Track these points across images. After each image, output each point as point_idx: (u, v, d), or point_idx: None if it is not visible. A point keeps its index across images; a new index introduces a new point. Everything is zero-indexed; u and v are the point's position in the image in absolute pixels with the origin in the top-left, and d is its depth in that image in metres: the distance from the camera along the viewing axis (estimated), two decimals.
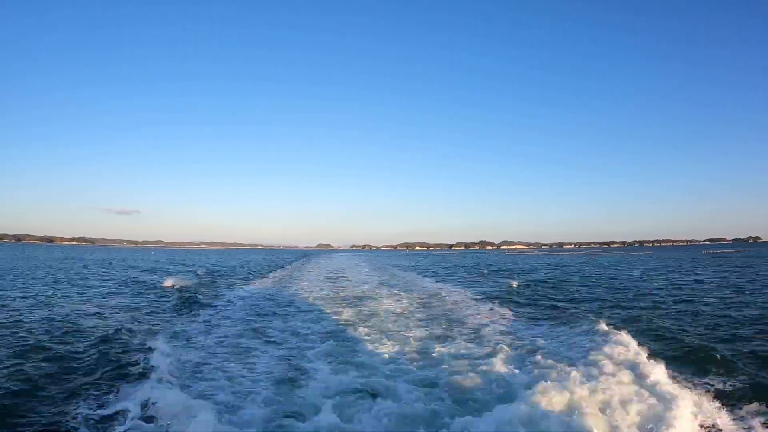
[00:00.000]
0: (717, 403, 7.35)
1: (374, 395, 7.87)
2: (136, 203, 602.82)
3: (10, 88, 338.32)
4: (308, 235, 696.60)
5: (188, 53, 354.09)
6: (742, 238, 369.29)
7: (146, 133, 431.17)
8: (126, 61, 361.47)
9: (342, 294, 23.04)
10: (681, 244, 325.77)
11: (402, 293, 23.60)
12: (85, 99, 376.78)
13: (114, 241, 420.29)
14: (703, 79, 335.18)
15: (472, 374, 8.90)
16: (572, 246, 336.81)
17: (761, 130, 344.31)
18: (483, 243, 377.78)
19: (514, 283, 27.17)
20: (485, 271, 41.05)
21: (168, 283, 25.69)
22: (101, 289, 23.62)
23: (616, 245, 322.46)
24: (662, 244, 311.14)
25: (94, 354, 9.79)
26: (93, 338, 11.18)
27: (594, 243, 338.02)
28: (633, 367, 8.56)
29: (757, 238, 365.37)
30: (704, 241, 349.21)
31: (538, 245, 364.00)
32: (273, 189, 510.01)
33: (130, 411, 6.81)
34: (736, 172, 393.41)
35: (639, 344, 10.18)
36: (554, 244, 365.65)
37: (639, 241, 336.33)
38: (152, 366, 9.04)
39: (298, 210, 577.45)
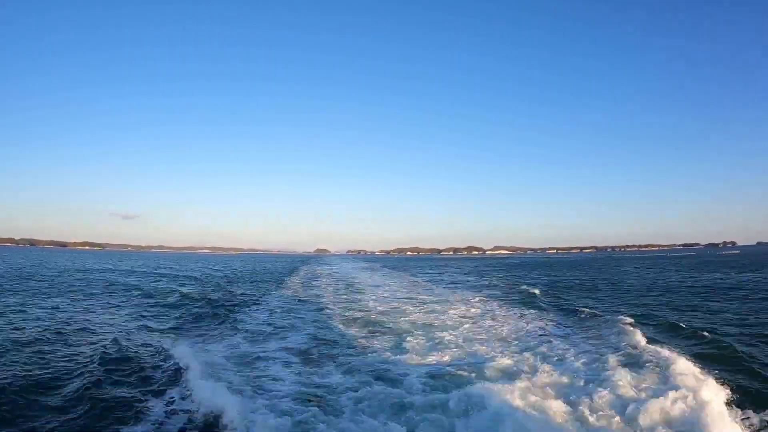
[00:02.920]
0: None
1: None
2: (138, 208, 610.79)
3: (10, 88, 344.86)
4: (306, 239, 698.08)
5: (188, 53, 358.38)
6: (716, 242, 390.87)
7: (146, 134, 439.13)
8: (126, 61, 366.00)
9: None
10: (653, 248, 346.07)
11: None
12: (85, 100, 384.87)
13: (120, 245, 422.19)
14: (701, 80, 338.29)
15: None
16: (554, 251, 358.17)
17: (747, 137, 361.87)
18: (470, 248, 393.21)
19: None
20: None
21: None
22: None
23: (588, 250, 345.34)
24: (627, 249, 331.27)
25: None
26: None
27: (574, 248, 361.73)
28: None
29: (733, 242, 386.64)
30: (679, 245, 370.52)
31: (524, 250, 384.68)
32: (271, 193, 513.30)
33: None
34: (720, 178, 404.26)
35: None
36: (538, 248, 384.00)
37: (611, 246, 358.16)
38: None
39: (296, 214, 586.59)
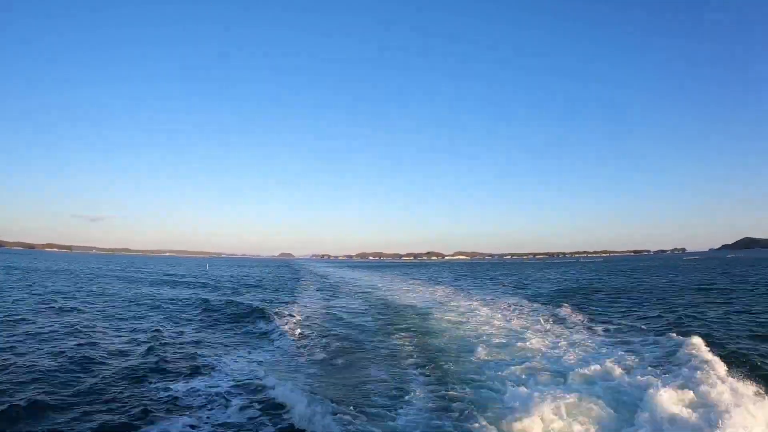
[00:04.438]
0: None
1: None
2: (104, 210, 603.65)
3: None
4: (270, 244, 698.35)
5: (158, 57, 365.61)
6: (665, 249, 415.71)
7: (112, 136, 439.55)
8: (96, 65, 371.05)
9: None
10: (605, 254, 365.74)
11: None
12: (51, 102, 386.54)
13: (86, 247, 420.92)
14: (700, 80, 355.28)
15: None
16: (510, 257, 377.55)
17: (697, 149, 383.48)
18: (430, 254, 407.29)
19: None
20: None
21: None
22: None
23: (541, 256, 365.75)
24: (576, 255, 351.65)
25: None
26: None
27: (527, 254, 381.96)
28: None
29: (683, 249, 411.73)
30: (630, 252, 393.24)
31: (483, 256, 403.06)
32: (236, 198, 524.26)
33: None
34: (673, 189, 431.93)
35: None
36: (496, 254, 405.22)
37: (563, 252, 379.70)
38: None
39: (260, 218, 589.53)
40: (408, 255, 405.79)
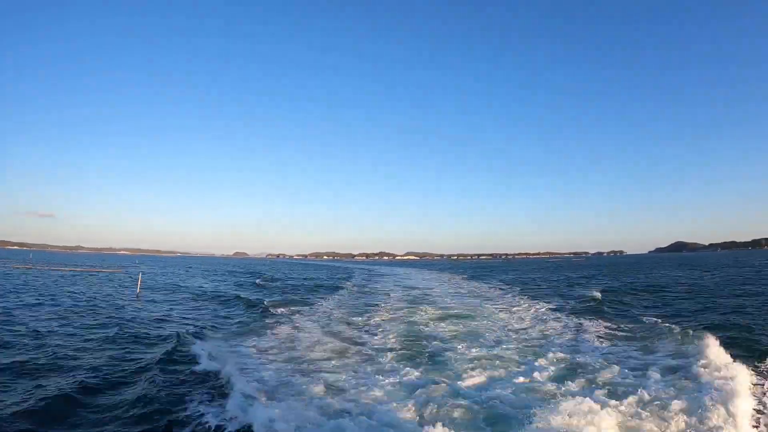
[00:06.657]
0: None
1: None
2: (53, 206, 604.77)
3: None
4: (225, 243, 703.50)
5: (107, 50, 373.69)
6: (603, 252, 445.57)
7: (59, 131, 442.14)
8: (40, 61, 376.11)
9: None
10: (545, 255, 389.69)
11: None
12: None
13: (42, 245, 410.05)
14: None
15: None
16: (456, 257, 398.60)
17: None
18: (382, 254, 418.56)
19: None
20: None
21: None
22: None
23: (485, 257, 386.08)
24: (516, 257, 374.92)
25: None
26: None
27: (473, 254, 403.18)
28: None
29: (621, 251, 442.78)
30: (570, 253, 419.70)
31: (432, 256, 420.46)
32: (190, 195, 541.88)
33: None
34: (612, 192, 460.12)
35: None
36: (445, 255, 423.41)
37: (504, 254, 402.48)
38: None
39: (214, 217, 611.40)
40: (361, 255, 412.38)
